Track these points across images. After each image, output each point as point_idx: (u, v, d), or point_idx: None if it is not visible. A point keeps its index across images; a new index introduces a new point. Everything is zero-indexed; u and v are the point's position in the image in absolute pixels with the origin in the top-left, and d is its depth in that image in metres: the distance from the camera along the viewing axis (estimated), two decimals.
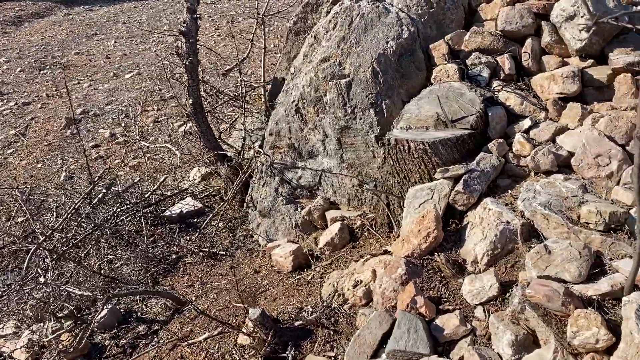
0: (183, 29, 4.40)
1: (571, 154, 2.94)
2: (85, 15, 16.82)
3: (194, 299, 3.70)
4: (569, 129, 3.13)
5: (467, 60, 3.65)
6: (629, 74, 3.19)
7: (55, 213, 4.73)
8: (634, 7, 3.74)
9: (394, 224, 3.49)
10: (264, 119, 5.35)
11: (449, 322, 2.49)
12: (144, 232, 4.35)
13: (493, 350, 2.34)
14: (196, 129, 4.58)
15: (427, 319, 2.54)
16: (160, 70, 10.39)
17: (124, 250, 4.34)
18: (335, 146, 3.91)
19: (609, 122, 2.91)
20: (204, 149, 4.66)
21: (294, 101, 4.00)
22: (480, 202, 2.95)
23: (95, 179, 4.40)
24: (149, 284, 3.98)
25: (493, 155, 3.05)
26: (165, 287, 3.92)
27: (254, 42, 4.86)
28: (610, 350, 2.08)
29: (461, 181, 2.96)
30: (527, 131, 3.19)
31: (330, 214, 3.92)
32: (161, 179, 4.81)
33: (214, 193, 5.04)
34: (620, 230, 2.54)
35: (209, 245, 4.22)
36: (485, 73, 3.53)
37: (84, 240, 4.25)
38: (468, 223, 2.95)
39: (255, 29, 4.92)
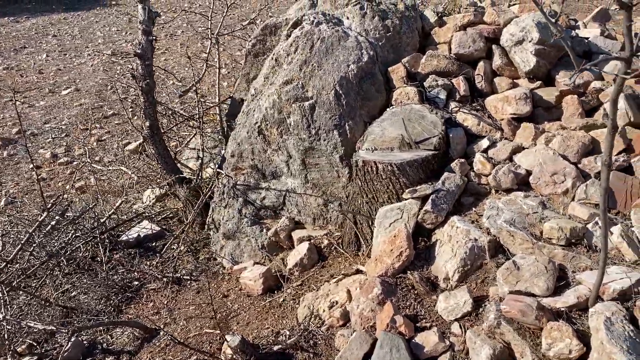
0: (139, 51, 4.35)
1: (529, 172, 3.13)
2: (12, 27, 16.11)
3: (162, 326, 3.65)
4: (524, 148, 3.33)
5: (424, 83, 3.81)
6: (576, 95, 3.43)
7: (1, 241, 4.54)
8: (573, 32, 4.01)
9: (362, 242, 3.59)
10: (219, 138, 5.36)
11: (428, 340, 2.60)
12: (102, 259, 4.26)
13: None
14: (153, 152, 4.52)
15: (407, 338, 2.64)
16: (99, 86, 10.17)
17: (81, 278, 4.23)
18: (299, 166, 3.97)
19: (561, 141, 3.12)
20: (161, 172, 4.61)
21: (256, 123, 4.04)
22: (447, 220, 3.09)
23: (49, 205, 4.25)
24: (112, 313, 3.89)
25: (457, 174, 3.21)
26: (129, 316, 3.85)
27: (209, 63, 4.86)
28: (581, 359, 2.25)
29: (429, 201, 3.09)
30: (485, 150, 3.37)
31: (296, 234, 3.98)
32: (118, 203, 4.71)
33: (171, 215, 4.98)
34: (580, 244, 2.74)
35: (172, 270, 4.18)
36: (443, 95, 3.70)
37: (38, 270, 4.11)
38: (437, 241, 3.08)
39: (210, 48, 4.92)
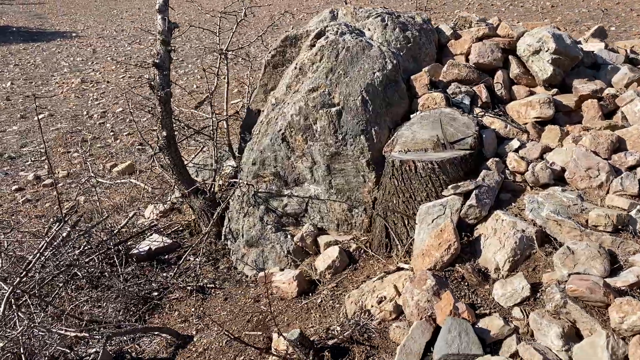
0: (157, 61, 4.34)
1: (562, 169, 3.29)
2: None
3: (194, 333, 3.57)
4: (551, 148, 3.50)
5: (447, 90, 3.96)
6: (595, 100, 3.65)
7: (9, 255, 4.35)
8: (580, 45, 4.28)
9: (393, 244, 3.63)
10: (226, 150, 5.35)
11: (492, 324, 2.65)
12: (119, 271, 4.14)
13: (540, 344, 2.53)
14: (168, 162, 4.47)
15: (470, 324, 2.68)
16: (74, 111, 9.97)
17: (96, 290, 4.09)
18: (323, 172, 4.01)
19: (592, 139, 3.30)
20: (176, 183, 4.55)
21: (280, 130, 4.08)
22: (489, 215, 3.19)
23: (63, 216, 4.13)
24: (135, 323, 3.77)
25: (494, 172, 3.33)
26: (156, 325, 3.75)
27: (219, 75, 4.89)
28: None
29: (473, 196, 3.18)
30: (516, 150, 3.51)
31: (322, 239, 4.00)
32: (130, 214, 4.61)
33: (180, 228, 4.90)
34: (625, 230, 2.88)
35: (193, 279, 4.10)
36: (467, 101, 3.86)
37: (54, 282, 3.96)
38: (480, 235, 3.17)
39: (219, 63, 4.96)
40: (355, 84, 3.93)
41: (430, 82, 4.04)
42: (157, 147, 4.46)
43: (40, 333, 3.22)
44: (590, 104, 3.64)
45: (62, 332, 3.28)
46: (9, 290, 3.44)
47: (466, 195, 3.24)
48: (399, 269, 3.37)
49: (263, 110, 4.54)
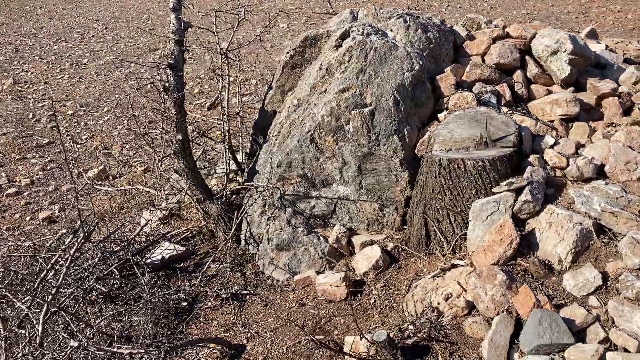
0: (171, 62, 4.16)
1: (602, 164, 3.48)
2: None
3: (245, 341, 3.47)
4: (582, 144, 3.69)
5: (472, 90, 4.08)
6: (616, 97, 3.88)
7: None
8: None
9: (437, 241, 3.69)
10: (217, 152, 5.22)
11: (575, 313, 2.77)
12: (142, 282, 3.94)
13: (626, 330, 2.67)
14: (183, 167, 4.30)
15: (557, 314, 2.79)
16: (15, 115, 9.30)
17: (121, 304, 3.88)
18: (354, 173, 4.02)
19: (626, 135, 3.52)
20: (190, 188, 4.38)
21: (308, 131, 4.03)
22: (542, 209, 3.32)
23: (79, 225, 3.86)
24: (170, 336, 3.61)
25: (539, 168, 3.47)
26: (195, 336, 3.60)
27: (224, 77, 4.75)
28: None
29: (526, 192, 3.30)
30: (551, 147, 3.68)
31: (357, 239, 4.00)
32: (143, 223, 4.39)
33: (190, 235, 4.72)
34: None
35: (222, 286, 3.97)
36: (494, 100, 3.99)
37: (75, 296, 3.71)
38: (533, 229, 3.29)
39: (222, 64, 4.82)
40: (386, 84, 3.96)
41: (456, 82, 4.14)
42: (172, 151, 4.28)
43: (96, 352, 3.00)
44: (612, 102, 3.87)
45: (115, 350, 3.08)
46: (45, 308, 3.19)
47: (518, 191, 3.36)
48: (453, 265, 3.43)
49: (280, 111, 4.47)
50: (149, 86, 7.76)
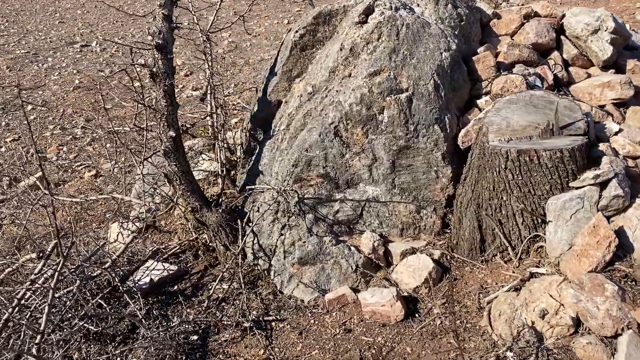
0: (159, 41, 3.36)
1: None
2: None
3: None
4: None
5: (513, 71, 3.62)
6: None
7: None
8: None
9: (497, 246, 3.20)
10: (197, 152, 4.47)
11: None
12: (138, 313, 3.15)
13: None
14: (175, 169, 3.52)
15: None
16: None
17: (106, 342, 3.07)
18: (385, 170, 3.44)
19: None
20: (184, 194, 3.60)
21: (332, 123, 3.40)
22: (630, 205, 2.90)
23: (53, 246, 3.00)
24: None
25: (615, 157, 3.05)
26: None
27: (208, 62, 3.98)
28: None
29: (614, 185, 2.86)
30: (616, 134, 3.29)
31: (395, 248, 3.42)
32: (128, 239, 3.55)
33: (178, 250, 3.92)
34: None
35: (238, 312, 3.25)
36: (539, 83, 3.55)
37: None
38: (620, 227, 2.87)
39: (205, 47, 4.05)
40: (424, 66, 3.41)
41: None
42: (162, 151, 3.49)
43: None
44: None
45: None
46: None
47: (602, 185, 2.92)
48: (532, 275, 2.94)
49: (287, 101, 3.79)
50: (120, 73, 6.68)
